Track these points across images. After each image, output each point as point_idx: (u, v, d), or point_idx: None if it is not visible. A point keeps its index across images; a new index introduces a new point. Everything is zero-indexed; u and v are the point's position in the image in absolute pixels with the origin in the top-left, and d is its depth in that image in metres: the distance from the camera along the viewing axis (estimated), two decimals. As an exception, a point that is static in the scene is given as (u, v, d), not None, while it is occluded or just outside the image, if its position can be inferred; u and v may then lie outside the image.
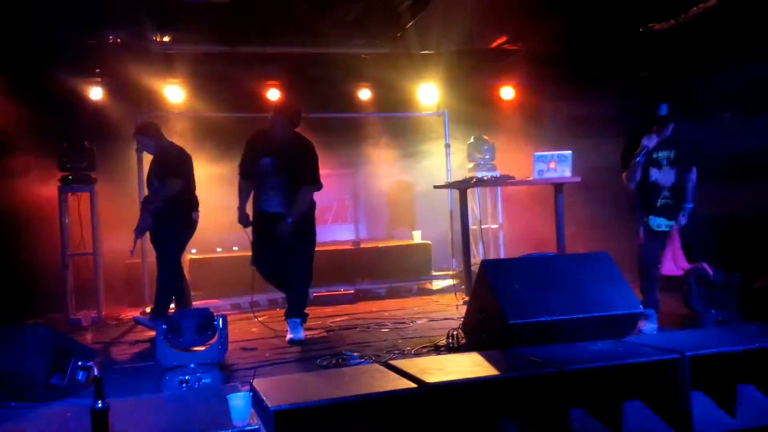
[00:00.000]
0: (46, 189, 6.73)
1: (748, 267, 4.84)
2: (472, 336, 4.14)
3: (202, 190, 5.43)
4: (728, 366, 3.27)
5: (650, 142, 4.68)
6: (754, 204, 6.16)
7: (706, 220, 6.40)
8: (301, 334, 4.91)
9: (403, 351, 4.35)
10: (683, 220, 4.77)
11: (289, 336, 4.90)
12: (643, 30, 6.72)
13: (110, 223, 6.73)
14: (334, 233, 8.62)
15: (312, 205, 5.07)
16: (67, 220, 6.45)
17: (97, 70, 7.14)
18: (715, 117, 6.91)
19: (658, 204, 4.80)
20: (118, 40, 6.93)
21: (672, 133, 4.74)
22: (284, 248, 4.85)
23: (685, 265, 4.72)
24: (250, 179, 5.02)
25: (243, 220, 5.03)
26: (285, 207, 4.86)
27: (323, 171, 8.45)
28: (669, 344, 3.39)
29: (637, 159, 4.70)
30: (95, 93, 7.18)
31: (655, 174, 4.80)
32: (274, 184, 4.89)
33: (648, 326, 4.58)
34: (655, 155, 4.76)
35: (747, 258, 5.41)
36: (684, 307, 4.67)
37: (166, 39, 7.05)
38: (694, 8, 6.03)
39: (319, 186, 5.02)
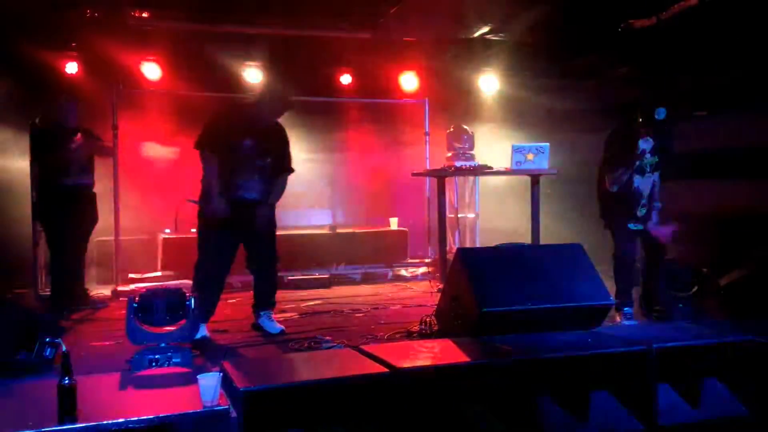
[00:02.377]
0: (18, 164, 6.61)
1: (717, 263, 4.93)
2: (445, 323, 4.16)
3: (177, 170, 5.33)
4: (693, 359, 3.34)
5: (647, 144, 4.66)
6: (726, 202, 6.28)
7: (680, 216, 6.49)
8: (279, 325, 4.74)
9: (376, 336, 4.37)
10: (656, 218, 4.83)
11: (275, 329, 4.62)
12: (623, 27, 6.77)
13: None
14: (310, 218, 8.59)
15: None
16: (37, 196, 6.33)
17: (73, 44, 6.99)
18: (690, 115, 7.01)
19: (638, 213, 4.81)
20: (96, 14, 6.77)
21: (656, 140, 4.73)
22: (260, 235, 4.60)
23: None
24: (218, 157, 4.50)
25: (222, 206, 4.35)
26: (263, 194, 4.54)
27: (302, 155, 8.39)
28: (637, 337, 3.45)
29: (633, 163, 4.65)
30: (70, 67, 7.03)
31: (637, 181, 4.77)
32: (258, 170, 4.51)
33: (627, 323, 4.65)
34: (640, 162, 4.72)
35: (716, 254, 5.51)
36: (653, 301, 4.74)
37: (144, 15, 6.93)
38: (675, 6, 6.09)
39: (292, 171, 4.81)
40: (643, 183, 4.78)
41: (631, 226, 4.85)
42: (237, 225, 4.44)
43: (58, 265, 5.54)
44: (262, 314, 4.71)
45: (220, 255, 4.47)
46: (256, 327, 4.70)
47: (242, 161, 4.46)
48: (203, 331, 4.32)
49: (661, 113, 4.56)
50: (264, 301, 4.74)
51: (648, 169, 4.75)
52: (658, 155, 4.74)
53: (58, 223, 5.51)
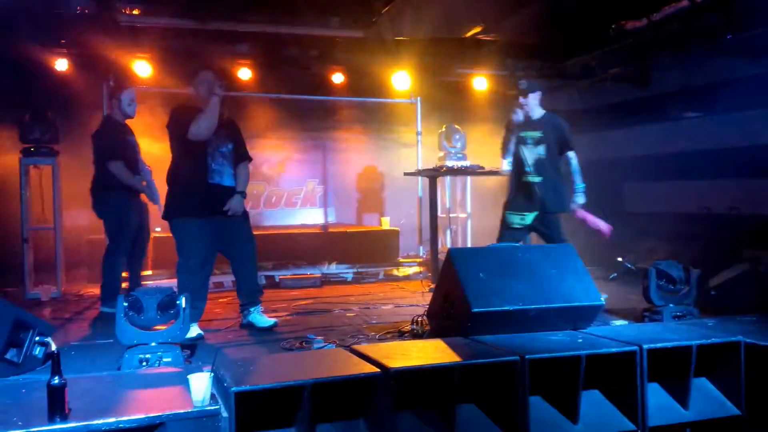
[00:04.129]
0: (7, 160, 6.57)
1: (708, 263, 4.96)
2: (437, 323, 4.16)
3: (166, 167, 5.26)
4: (683, 359, 3.35)
5: (517, 116, 5.22)
6: (716, 202, 6.31)
7: (671, 217, 6.53)
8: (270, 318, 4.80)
9: (368, 336, 4.37)
10: (580, 200, 5.20)
11: (268, 322, 4.70)
12: (615, 28, 6.79)
13: (72, 197, 6.60)
14: (302, 217, 8.59)
15: None
16: (27, 193, 6.29)
17: (63, 41, 6.94)
18: (681, 115, 7.05)
19: (523, 179, 5.23)
20: (86, 10, 6.74)
21: (540, 117, 5.27)
22: (236, 220, 4.61)
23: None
24: None
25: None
26: (233, 180, 4.59)
27: (294, 154, 8.39)
28: (628, 336, 3.46)
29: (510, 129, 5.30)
30: (60, 64, 6.98)
31: (523, 151, 5.26)
32: (225, 155, 4.56)
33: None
34: (523, 134, 5.25)
35: (707, 254, 5.54)
36: (644, 300, 4.76)
37: (135, 12, 6.90)
38: (666, 7, 6.11)
39: (250, 160, 4.81)
40: (528, 153, 5.24)
41: (517, 221, 5.21)
42: (214, 212, 4.46)
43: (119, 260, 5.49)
44: (252, 310, 4.73)
45: (201, 247, 4.45)
46: (247, 325, 4.71)
47: (212, 148, 4.49)
48: (196, 330, 4.32)
49: (522, 84, 5.36)
50: (251, 295, 4.74)
51: (529, 141, 5.24)
52: (542, 130, 5.22)
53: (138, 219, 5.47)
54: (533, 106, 5.27)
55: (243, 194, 4.63)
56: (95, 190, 5.33)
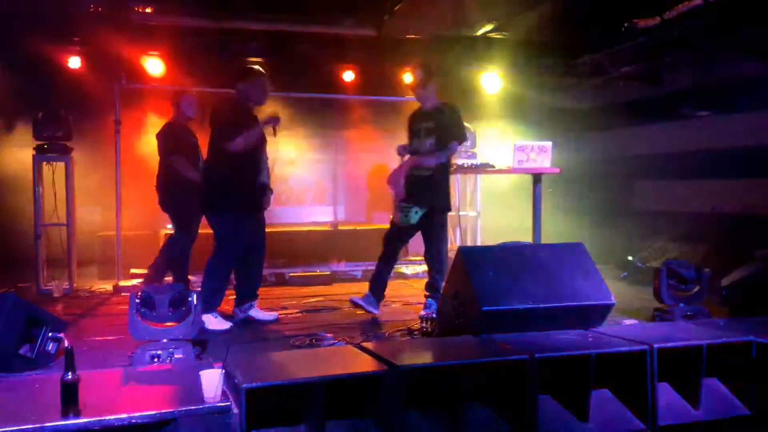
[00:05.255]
0: (21, 157, 6.62)
1: (719, 262, 4.94)
2: (446, 321, 4.16)
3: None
4: (694, 359, 3.34)
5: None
6: (729, 201, 6.27)
7: (682, 216, 6.49)
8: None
9: (377, 334, 4.38)
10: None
11: (272, 316, 4.93)
12: (627, 26, 6.75)
13: (85, 194, 6.65)
14: (312, 214, 8.61)
15: None
16: (40, 190, 6.35)
17: (76, 39, 6.99)
18: (692, 114, 7.01)
19: (413, 172, 4.96)
20: (99, 9, 6.78)
21: (433, 107, 5.02)
22: (262, 220, 4.84)
23: None
24: None
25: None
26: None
27: (305, 153, 8.42)
28: (638, 336, 3.45)
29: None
30: (73, 62, 7.03)
31: (414, 143, 5.09)
32: (265, 155, 4.77)
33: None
34: (416, 127, 5.08)
35: (719, 253, 5.52)
36: (655, 300, 4.74)
37: (147, 10, 6.93)
38: (679, 6, 6.07)
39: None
40: (419, 144, 5.06)
41: (403, 218, 5.07)
42: (259, 207, 4.73)
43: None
44: (253, 305, 4.85)
45: (243, 241, 4.63)
46: (245, 320, 4.80)
47: (259, 148, 4.66)
48: (223, 323, 4.53)
49: (419, 74, 5.06)
50: (255, 290, 4.86)
51: (422, 133, 5.04)
52: (433, 121, 5.00)
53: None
54: (429, 96, 5.05)
55: (272, 191, 4.84)
56: (160, 186, 5.52)
